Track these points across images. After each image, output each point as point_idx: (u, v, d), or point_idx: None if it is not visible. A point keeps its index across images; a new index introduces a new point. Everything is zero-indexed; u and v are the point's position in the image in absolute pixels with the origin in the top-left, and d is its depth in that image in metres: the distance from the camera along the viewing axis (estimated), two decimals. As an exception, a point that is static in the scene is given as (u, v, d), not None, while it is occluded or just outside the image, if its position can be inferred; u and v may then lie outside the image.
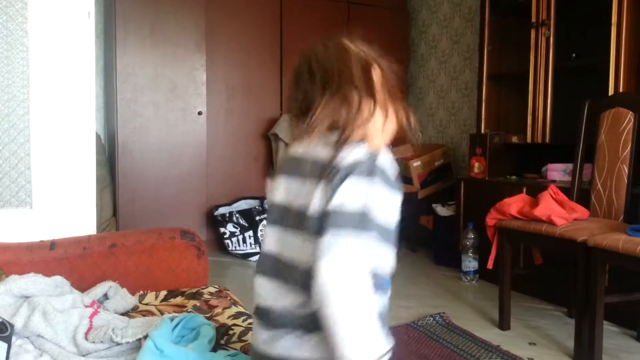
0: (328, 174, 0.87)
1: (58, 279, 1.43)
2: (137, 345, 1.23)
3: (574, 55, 2.98)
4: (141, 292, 1.65)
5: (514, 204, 2.38)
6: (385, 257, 0.92)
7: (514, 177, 3.22)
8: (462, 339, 2.33)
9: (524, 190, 2.89)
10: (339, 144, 0.89)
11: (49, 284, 1.38)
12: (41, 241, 1.65)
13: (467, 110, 4.13)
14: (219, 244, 3.89)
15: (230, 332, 1.35)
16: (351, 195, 0.85)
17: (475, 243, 3.20)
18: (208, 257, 1.82)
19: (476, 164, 3.32)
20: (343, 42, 0.98)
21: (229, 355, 1.21)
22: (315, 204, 0.87)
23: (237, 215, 3.77)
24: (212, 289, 1.70)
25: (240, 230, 3.75)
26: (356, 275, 0.83)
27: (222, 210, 3.85)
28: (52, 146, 2.00)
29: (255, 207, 3.80)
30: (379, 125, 0.93)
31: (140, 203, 3.71)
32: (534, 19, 3.04)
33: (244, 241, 3.77)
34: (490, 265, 2.48)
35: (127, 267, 1.68)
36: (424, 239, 3.98)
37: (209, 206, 3.92)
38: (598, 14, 2.77)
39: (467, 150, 3.75)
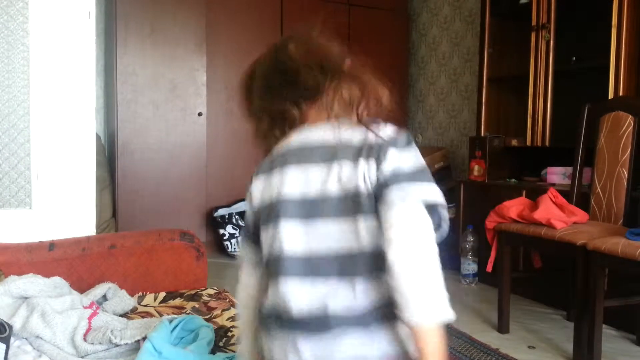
0: (368, 151, 0.87)
1: (57, 279, 1.43)
2: (136, 347, 1.23)
3: (574, 58, 2.98)
4: (140, 293, 1.65)
5: (514, 207, 2.38)
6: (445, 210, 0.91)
7: (513, 180, 3.22)
8: (461, 342, 2.32)
9: (524, 193, 2.89)
10: (367, 123, 0.90)
11: (47, 284, 1.38)
12: (40, 242, 1.65)
13: (467, 113, 4.13)
14: (219, 246, 3.88)
15: (229, 334, 1.35)
16: (402, 159, 0.86)
17: (475, 246, 3.20)
18: (207, 258, 1.82)
19: (476, 167, 3.32)
20: (304, 36, 1.04)
21: (227, 358, 1.21)
22: (363, 183, 0.86)
23: (236, 216, 3.77)
24: (211, 291, 1.70)
25: (239, 232, 3.74)
26: (429, 223, 0.83)
27: (222, 211, 3.85)
28: (52, 146, 1.99)
29: (254, 209, 3.79)
30: (385, 101, 0.94)
31: (139, 204, 3.70)
32: (534, 22, 3.05)
33: (243, 242, 3.76)
34: (489, 268, 2.48)
35: (126, 268, 1.67)
36: (423, 241, 3.97)
37: (209, 207, 3.92)
38: (598, 17, 2.78)
39: (467, 152, 3.75)
